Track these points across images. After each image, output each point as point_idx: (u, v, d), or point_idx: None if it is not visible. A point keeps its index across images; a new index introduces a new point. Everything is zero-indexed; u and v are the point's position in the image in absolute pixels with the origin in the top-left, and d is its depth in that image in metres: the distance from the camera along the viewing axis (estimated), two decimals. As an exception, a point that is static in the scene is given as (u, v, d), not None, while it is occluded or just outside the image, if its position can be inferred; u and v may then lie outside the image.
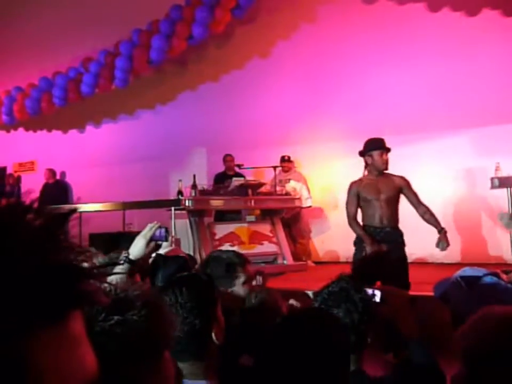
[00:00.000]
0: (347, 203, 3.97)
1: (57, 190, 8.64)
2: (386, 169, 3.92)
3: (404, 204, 4.03)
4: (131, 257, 1.86)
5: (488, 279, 1.70)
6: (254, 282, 2.31)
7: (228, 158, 6.78)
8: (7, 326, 0.37)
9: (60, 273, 0.40)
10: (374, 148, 3.87)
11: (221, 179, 6.52)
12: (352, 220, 3.94)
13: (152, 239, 1.89)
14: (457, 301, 1.72)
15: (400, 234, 3.91)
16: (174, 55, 7.41)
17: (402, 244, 3.90)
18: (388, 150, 3.91)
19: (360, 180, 3.99)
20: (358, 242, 3.95)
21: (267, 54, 7.37)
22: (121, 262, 1.85)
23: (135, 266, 1.87)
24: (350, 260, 6.67)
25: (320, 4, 7.04)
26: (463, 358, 0.99)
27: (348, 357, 1.22)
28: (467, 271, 1.79)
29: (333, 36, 6.92)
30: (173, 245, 2.76)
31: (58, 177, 8.93)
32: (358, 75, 6.83)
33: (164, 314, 0.61)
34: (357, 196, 3.91)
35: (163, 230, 1.91)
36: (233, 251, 2.33)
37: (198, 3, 7.04)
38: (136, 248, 1.87)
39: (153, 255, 2.10)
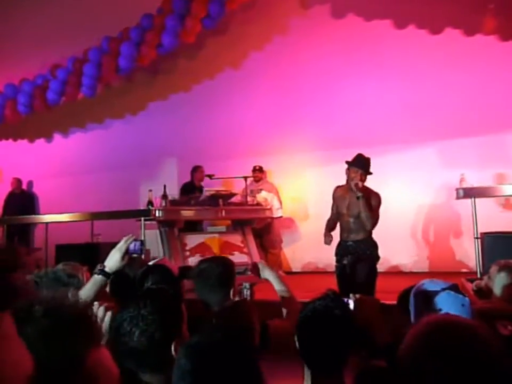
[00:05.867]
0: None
1: (23, 199, 8.40)
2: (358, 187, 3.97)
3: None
4: (107, 269, 1.87)
5: (444, 295, 1.68)
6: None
7: (200, 169, 6.73)
8: None
9: None
10: (351, 165, 4.03)
11: (190, 190, 6.46)
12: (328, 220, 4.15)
13: (127, 252, 1.90)
14: (415, 315, 1.73)
15: (364, 248, 3.96)
16: (144, 63, 7.36)
17: (366, 257, 3.95)
18: (367, 172, 3.98)
19: (339, 187, 4.17)
20: (336, 254, 4.06)
21: (238, 65, 7.41)
22: (96, 273, 1.85)
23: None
24: (321, 270, 6.72)
25: (291, 17, 7.15)
26: (400, 364, 1.04)
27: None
28: (425, 285, 1.76)
29: (303, 48, 7.03)
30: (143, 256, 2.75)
31: (24, 186, 8.70)
32: (329, 87, 6.95)
33: (88, 319, 0.72)
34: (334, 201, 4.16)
35: (138, 243, 1.92)
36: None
37: (169, 12, 7.03)
38: (112, 261, 1.89)
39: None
